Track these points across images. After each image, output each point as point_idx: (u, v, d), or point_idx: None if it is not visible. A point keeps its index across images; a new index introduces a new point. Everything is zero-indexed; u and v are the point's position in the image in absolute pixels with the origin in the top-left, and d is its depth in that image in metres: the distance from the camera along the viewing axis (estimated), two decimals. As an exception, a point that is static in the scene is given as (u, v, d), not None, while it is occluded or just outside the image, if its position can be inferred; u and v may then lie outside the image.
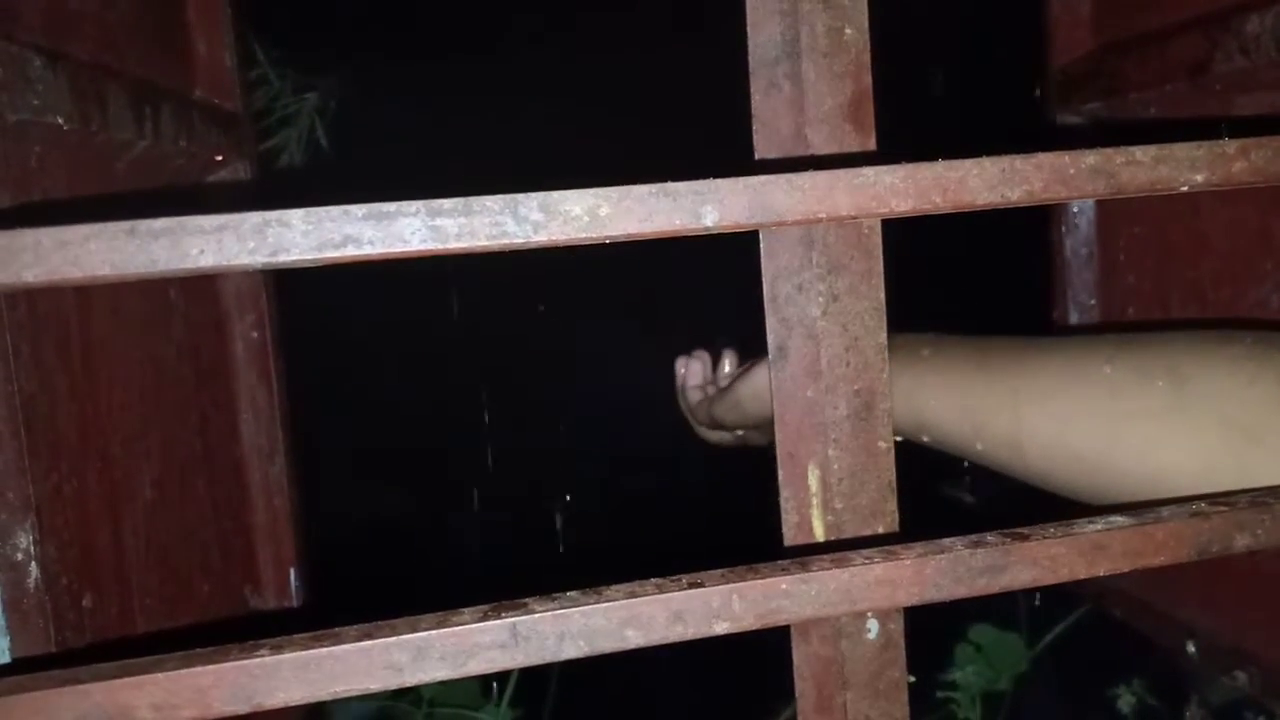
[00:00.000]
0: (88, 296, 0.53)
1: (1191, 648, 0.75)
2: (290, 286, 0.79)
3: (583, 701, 1.11)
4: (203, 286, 0.72)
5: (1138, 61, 0.77)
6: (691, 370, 0.77)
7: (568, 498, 1.17)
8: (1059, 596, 1.04)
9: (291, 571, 0.77)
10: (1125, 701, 1.09)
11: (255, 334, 0.74)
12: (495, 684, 1.05)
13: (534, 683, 1.09)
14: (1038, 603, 1.09)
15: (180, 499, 0.64)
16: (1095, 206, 0.88)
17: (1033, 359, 0.51)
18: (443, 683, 1.00)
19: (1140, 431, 0.46)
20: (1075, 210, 0.88)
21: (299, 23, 1.09)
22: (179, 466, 0.64)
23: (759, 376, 0.65)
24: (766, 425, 0.70)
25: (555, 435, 1.16)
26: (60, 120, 0.50)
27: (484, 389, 1.15)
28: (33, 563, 0.45)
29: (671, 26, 1.08)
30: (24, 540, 0.45)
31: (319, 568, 0.81)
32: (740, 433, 0.74)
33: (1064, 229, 0.88)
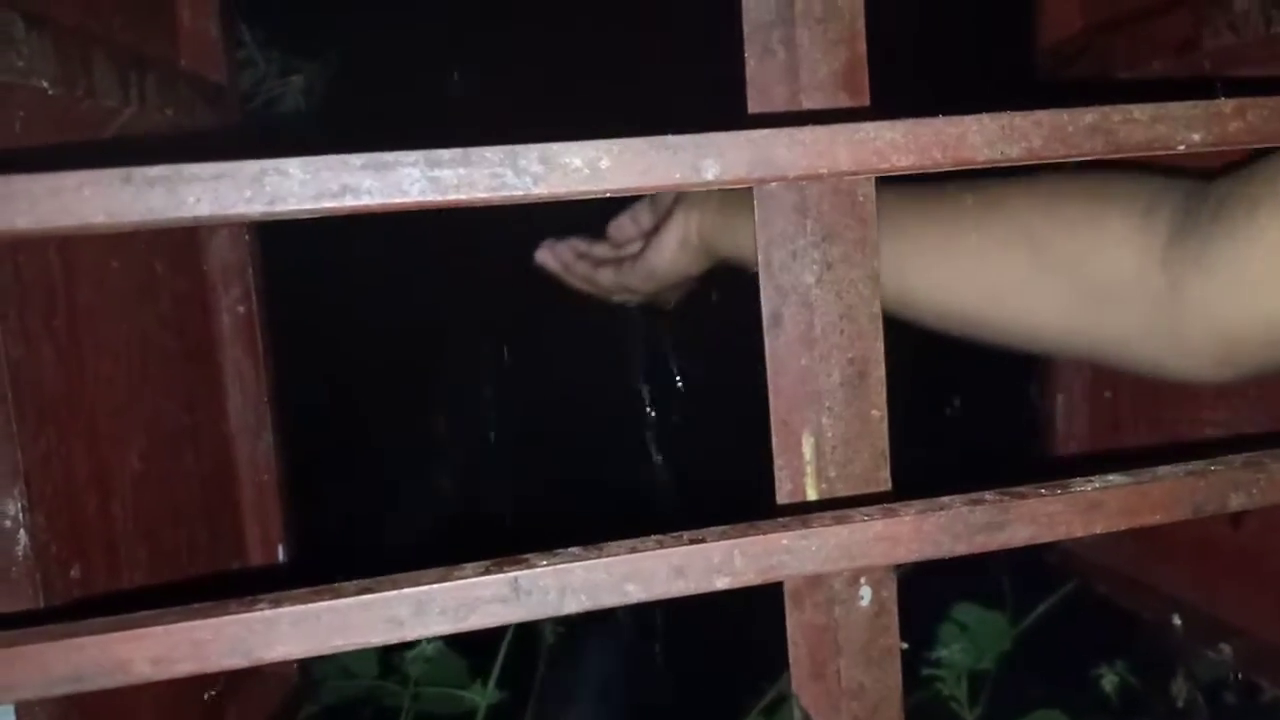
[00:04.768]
0: (73, 266, 0.52)
1: (1177, 621, 0.75)
2: (276, 261, 0.78)
3: (570, 685, 1.11)
4: (188, 259, 0.71)
5: (1127, 39, 0.77)
6: (567, 254, 0.76)
7: (562, 465, 1.16)
8: (1043, 575, 1.04)
9: (280, 548, 0.76)
10: (1108, 681, 1.10)
11: (241, 308, 0.74)
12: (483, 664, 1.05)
13: (522, 665, 1.08)
14: (1020, 579, 1.09)
15: (168, 473, 0.63)
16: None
17: (913, 228, 0.57)
18: (430, 661, 1.00)
19: (1010, 302, 0.54)
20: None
21: (286, 4, 1.07)
22: (166, 441, 0.63)
23: (667, 242, 0.66)
24: (678, 286, 0.72)
25: (551, 404, 1.16)
26: (45, 84, 0.49)
27: (478, 361, 1.14)
28: (21, 530, 0.44)
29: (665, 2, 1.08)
30: (12, 507, 0.44)
31: (307, 544, 0.80)
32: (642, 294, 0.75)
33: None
